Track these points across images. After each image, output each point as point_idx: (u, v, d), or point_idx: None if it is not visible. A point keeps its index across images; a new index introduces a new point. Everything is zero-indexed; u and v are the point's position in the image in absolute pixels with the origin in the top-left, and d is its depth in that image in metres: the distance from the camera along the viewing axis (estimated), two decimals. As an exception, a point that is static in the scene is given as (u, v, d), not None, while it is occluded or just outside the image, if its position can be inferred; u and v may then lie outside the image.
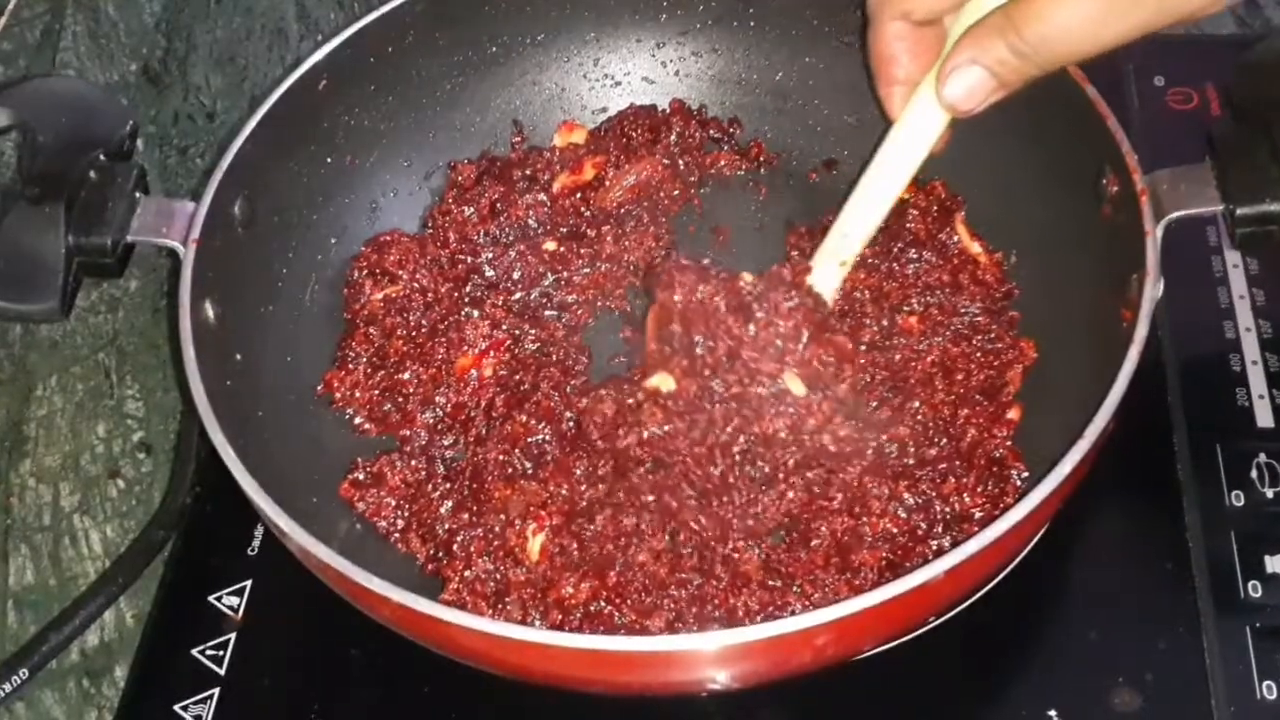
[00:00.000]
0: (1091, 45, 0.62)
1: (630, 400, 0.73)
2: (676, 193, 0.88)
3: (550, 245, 0.84)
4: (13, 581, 0.82)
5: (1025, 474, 0.71)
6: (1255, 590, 0.70)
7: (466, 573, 0.71)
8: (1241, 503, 0.73)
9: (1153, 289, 0.64)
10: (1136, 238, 0.66)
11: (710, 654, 0.57)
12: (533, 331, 0.81)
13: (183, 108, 1.09)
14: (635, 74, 0.92)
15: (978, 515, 0.70)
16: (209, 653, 0.74)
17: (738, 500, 0.70)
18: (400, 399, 0.78)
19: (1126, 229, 0.68)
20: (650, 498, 0.70)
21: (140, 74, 1.12)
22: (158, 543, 0.80)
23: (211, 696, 0.72)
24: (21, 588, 0.82)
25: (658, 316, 0.76)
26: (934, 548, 0.69)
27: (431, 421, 0.78)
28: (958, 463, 0.71)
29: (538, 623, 0.68)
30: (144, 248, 0.76)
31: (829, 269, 0.76)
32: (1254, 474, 0.74)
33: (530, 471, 0.74)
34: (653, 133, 0.89)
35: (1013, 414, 0.74)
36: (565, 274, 0.84)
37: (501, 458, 0.75)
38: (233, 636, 0.75)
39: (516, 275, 0.84)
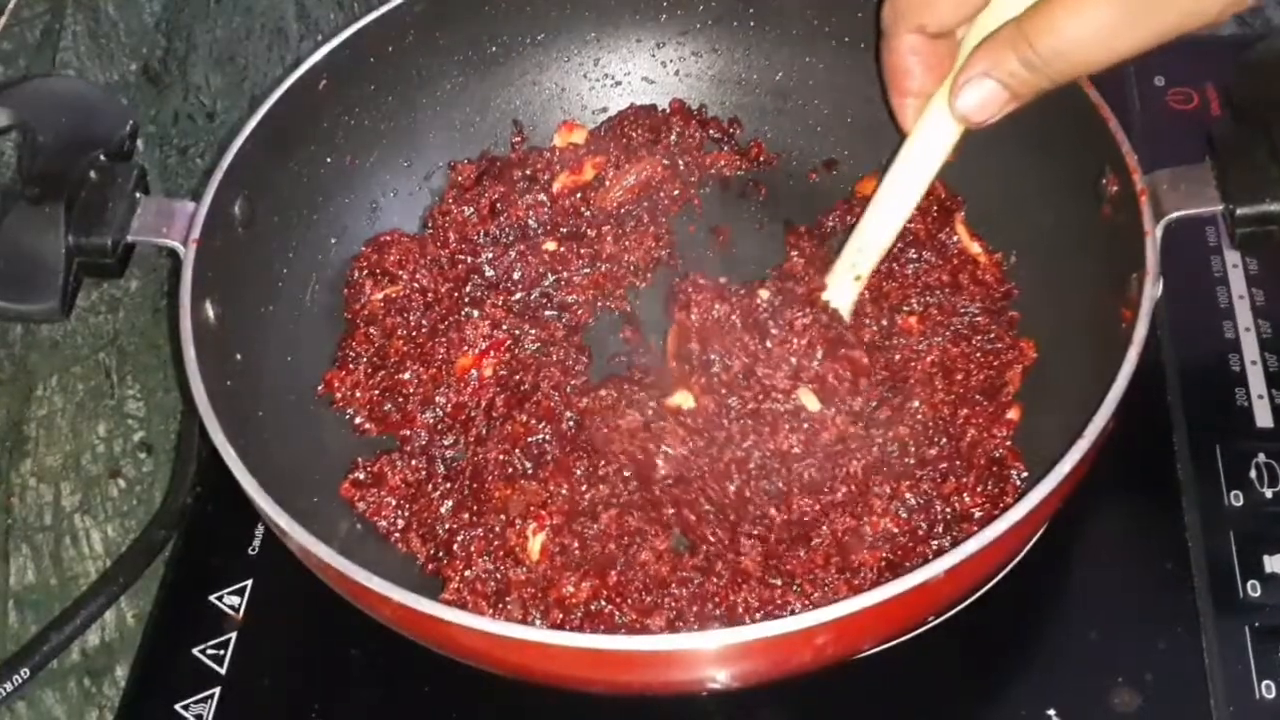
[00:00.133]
0: (1104, 57, 0.61)
1: (652, 415, 0.73)
2: (676, 193, 0.88)
3: (550, 245, 0.84)
4: (14, 581, 0.82)
5: (1025, 474, 0.71)
6: (1254, 590, 0.70)
7: (467, 572, 0.71)
8: (1241, 503, 0.74)
9: (1152, 289, 0.64)
10: (1136, 238, 0.66)
11: (710, 653, 0.57)
12: (533, 331, 0.81)
13: (183, 107, 1.09)
14: (635, 74, 0.92)
15: (977, 515, 0.70)
16: (210, 652, 0.74)
17: (752, 513, 0.70)
18: (400, 399, 0.78)
19: (1126, 229, 0.68)
20: (670, 511, 0.71)
21: (140, 74, 1.12)
22: (158, 542, 0.81)
23: (212, 696, 0.73)
24: (22, 587, 0.82)
25: (676, 335, 0.76)
26: (934, 547, 0.69)
27: (432, 421, 0.78)
28: (957, 462, 0.71)
29: (538, 622, 0.68)
30: (144, 248, 0.76)
31: (845, 284, 0.77)
32: (1253, 474, 0.74)
33: (530, 471, 0.75)
34: (653, 133, 0.89)
35: (1012, 414, 0.74)
36: (565, 274, 0.84)
37: (502, 457, 0.75)
38: (233, 636, 0.75)
39: (516, 275, 0.84)
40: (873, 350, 0.76)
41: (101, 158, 0.76)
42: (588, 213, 0.86)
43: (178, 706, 0.72)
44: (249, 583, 0.77)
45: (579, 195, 0.86)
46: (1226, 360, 0.80)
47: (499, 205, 0.85)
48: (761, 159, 0.90)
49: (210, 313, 0.72)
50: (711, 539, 0.70)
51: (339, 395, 0.79)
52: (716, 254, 0.87)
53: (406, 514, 0.75)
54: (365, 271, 0.82)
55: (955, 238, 0.81)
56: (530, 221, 0.85)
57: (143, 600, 0.80)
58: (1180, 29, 0.60)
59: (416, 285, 0.82)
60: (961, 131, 0.70)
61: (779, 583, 0.68)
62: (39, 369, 0.93)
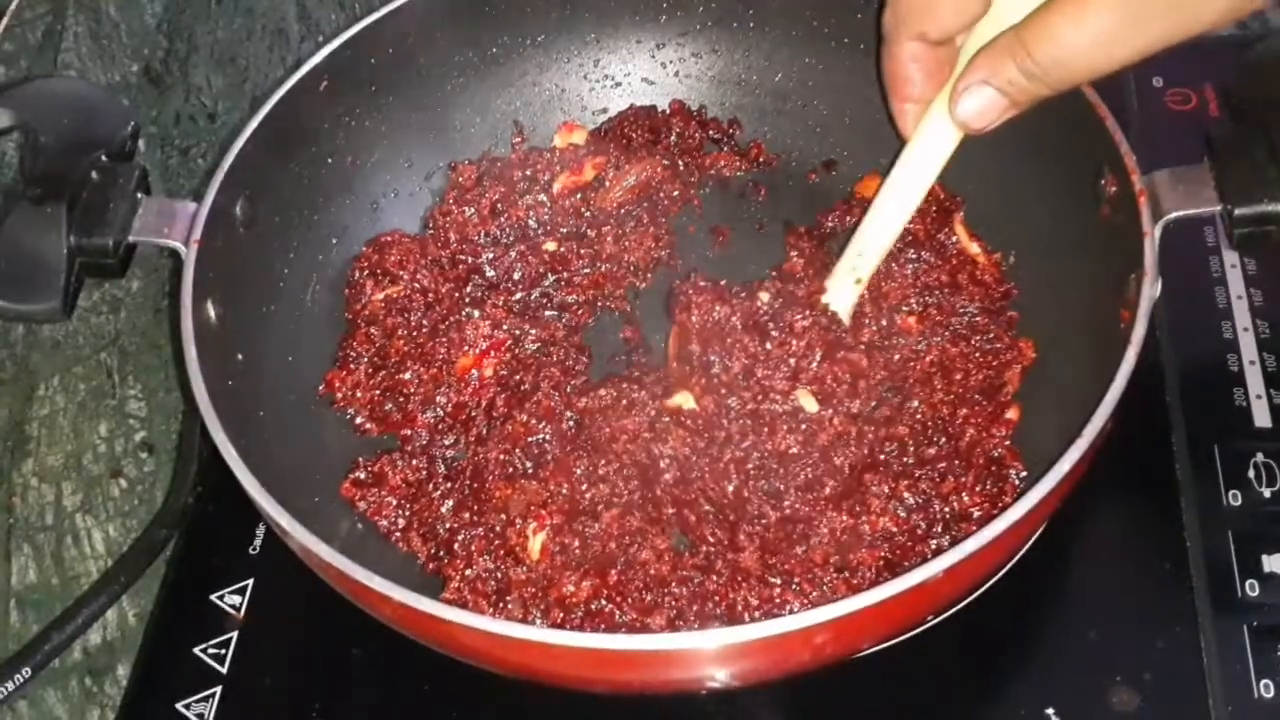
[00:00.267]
0: (1103, 65, 0.61)
1: (652, 415, 0.73)
2: (676, 193, 0.88)
3: (550, 245, 0.85)
4: (15, 581, 0.82)
5: (1024, 473, 0.71)
6: (1253, 589, 0.70)
7: (467, 571, 0.71)
8: (1239, 502, 0.74)
9: (1151, 289, 0.65)
10: (1135, 238, 0.67)
11: (710, 652, 0.57)
12: (533, 331, 0.81)
13: (184, 108, 1.09)
14: (635, 75, 0.92)
15: (976, 514, 0.70)
16: (211, 651, 0.75)
17: (751, 513, 0.71)
18: (401, 399, 0.79)
19: (1125, 229, 0.68)
20: (670, 510, 0.71)
21: (142, 75, 1.12)
22: (160, 542, 0.81)
23: (213, 695, 0.73)
24: (24, 587, 0.82)
25: (677, 336, 0.77)
26: (933, 547, 0.69)
27: (432, 421, 0.78)
28: (956, 462, 0.72)
29: (539, 621, 0.69)
30: (146, 248, 0.76)
31: (845, 287, 0.77)
32: (1251, 474, 0.75)
33: (531, 471, 0.75)
34: (653, 133, 0.89)
35: (1011, 414, 0.74)
36: (565, 274, 0.84)
37: (502, 457, 0.75)
38: (234, 635, 0.75)
39: (517, 275, 0.84)
40: (872, 350, 0.76)
41: (103, 158, 0.76)
42: (588, 213, 0.86)
43: (179, 706, 0.72)
44: (250, 582, 0.77)
45: (579, 196, 0.86)
46: (1225, 360, 0.80)
47: (499, 205, 0.85)
48: (761, 160, 0.90)
49: (211, 313, 0.72)
50: (711, 539, 0.70)
51: (340, 395, 0.79)
52: (716, 254, 0.87)
53: (407, 513, 0.75)
54: (366, 272, 0.83)
55: (954, 238, 0.81)
56: (530, 222, 0.85)
57: (144, 600, 0.80)
58: (1178, 36, 0.59)
59: (417, 285, 0.82)
60: (960, 137, 0.70)
61: (778, 582, 0.68)
62: (41, 369, 0.94)
